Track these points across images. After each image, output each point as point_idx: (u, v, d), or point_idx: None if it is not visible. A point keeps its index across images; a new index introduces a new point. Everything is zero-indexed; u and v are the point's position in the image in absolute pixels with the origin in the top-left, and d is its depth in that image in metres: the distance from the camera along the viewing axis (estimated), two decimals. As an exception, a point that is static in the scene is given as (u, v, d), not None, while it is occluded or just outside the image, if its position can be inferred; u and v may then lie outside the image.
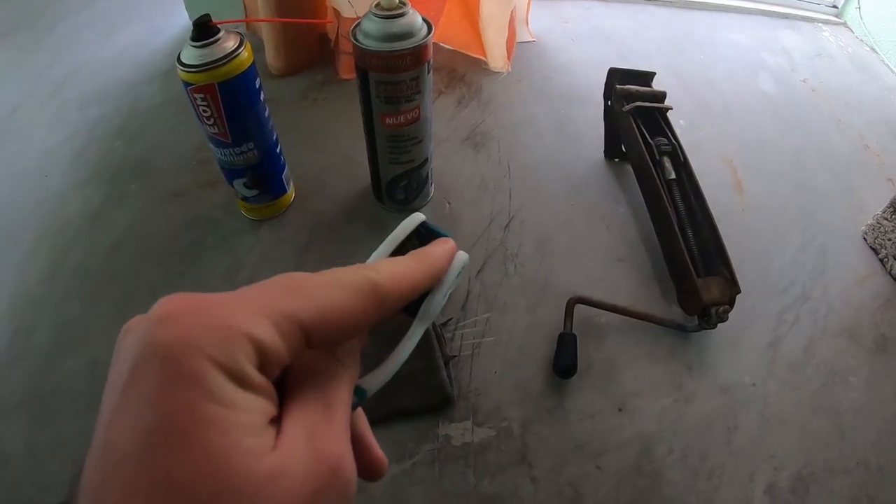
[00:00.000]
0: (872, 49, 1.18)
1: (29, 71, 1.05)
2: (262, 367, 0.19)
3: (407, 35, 0.57)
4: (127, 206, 0.78)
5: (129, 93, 0.97)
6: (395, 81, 0.59)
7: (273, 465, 0.17)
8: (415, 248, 0.27)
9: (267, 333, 0.19)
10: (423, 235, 0.28)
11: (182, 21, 1.12)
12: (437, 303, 0.26)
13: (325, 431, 0.20)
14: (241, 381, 0.18)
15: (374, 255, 0.27)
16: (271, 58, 0.95)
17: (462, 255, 0.27)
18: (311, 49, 0.98)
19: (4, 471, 0.54)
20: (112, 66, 1.04)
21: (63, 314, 0.66)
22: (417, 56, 0.58)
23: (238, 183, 0.69)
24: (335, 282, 0.21)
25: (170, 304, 0.18)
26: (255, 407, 0.18)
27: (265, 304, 0.19)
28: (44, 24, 1.17)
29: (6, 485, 0.53)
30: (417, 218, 0.28)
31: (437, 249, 0.26)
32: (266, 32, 0.93)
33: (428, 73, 0.61)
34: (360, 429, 0.25)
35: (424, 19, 0.60)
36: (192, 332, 0.17)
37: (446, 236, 0.27)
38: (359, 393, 0.24)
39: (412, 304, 0.25)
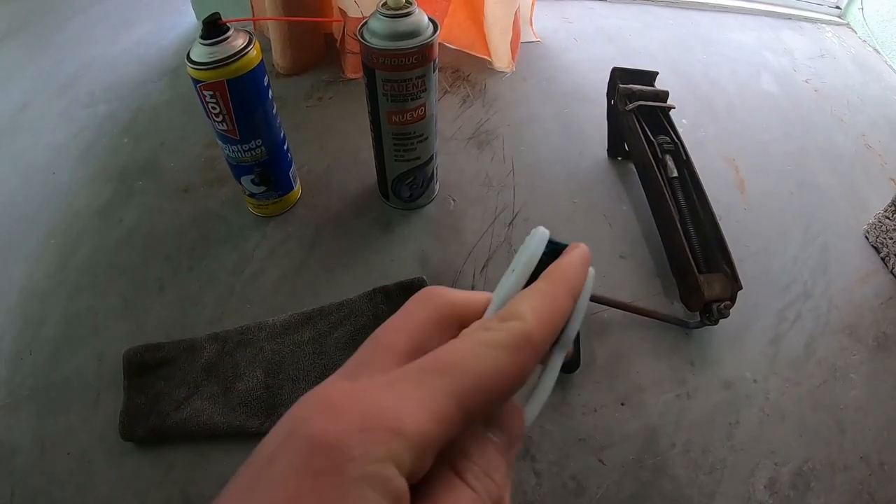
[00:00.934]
0: (875, 50, 1.19)
1: (38, 68, 1.06)
2: (414, 466, 0.17)
3: (413, 34, 0.58)
4: (135, 202, 0.79)
5: (136, 90, 0.98)
6: (401, 80, 0.60)
7: None
8: (544, 265, 0.23)
9: (424, 426, 0.17)
10: (549, 251, 0.24)
11: (189, 20, 1.13)
12: (574, 326, 0.23)
13: None
14: (384, 490, 0.16)
15: (507, 286, 0.23)
16: (278, 57, 0.96)
17: (591, 272, 0.24)
18: (316, 48, 0.99)
19: (13, 461, 0.55)
20: (120, 64, 1.05)
21: (72, 307, 0.67)
22: (424, 54, 0.59)
23: (245, 179, 0.70)
24: (487, 344, 0.19)
25: (326, 393, 0.18)
26: None
27: (423, 391, 0.18)
28: (52, 22, 1.19)
29: (14, 475, 0.54)
30: (543, 235, 0.24)
31: (571, 261, 0.23)
32: (272, 32, 0.94)
33: (434, 71, 0.62)
34: None
35: (430, 18, 0.60)
36: (345, 430, 0.16)
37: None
38: None
39: None
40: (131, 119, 0.93)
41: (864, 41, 1.22)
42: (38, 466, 0.55)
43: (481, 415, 0.19)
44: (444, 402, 0.18)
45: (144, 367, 0.60)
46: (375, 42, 0.58)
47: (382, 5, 0.58)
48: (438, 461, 0.18)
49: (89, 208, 0.78)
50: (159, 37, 1.12)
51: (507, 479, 0.20)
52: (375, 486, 0.16)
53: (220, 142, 0.66)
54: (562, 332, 0.23)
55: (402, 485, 0.16)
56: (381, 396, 0.18)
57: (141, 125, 0.91)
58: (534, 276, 0.24)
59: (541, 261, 0.24)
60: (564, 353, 0.24)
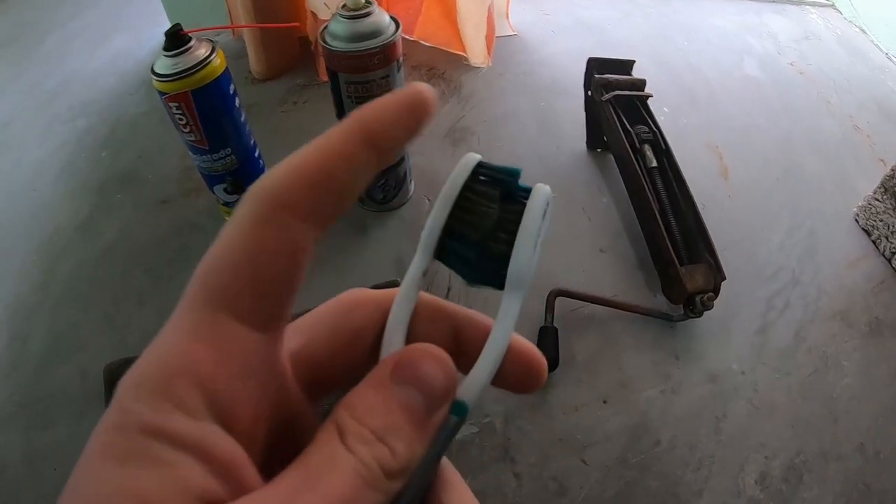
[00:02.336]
0: (861, 30, 1.17)
1: (20, 85, 1.06)
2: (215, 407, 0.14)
3: (374, 34, 0.57)
4: (115, 216, 0.79)
5: (115, 103, 0.98)
6: (364, 81, 0.59)
7: None
8: (481, 203, 0.20)
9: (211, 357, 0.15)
10: (485, 182, 0.20)
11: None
12: (526, 260, 0.19)
13: None
14: (163, 436, 0.14)
15: (428, 225, 0.20)
16: (253, 62, 0.96)
17: (543, 189, 0.19)
18: (292, 52, 0.98)
19: (2, 477, 0.55)
20: (100, 77, 1.05)
21: (56, 323, 0.67)
22: (386, 54, 0.58)
23: (218, 189, 0.69)
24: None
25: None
26: (168, 475, 0.13)
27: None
28: (34, 37, 1.18)
29: (4, 491, 0.54)
30: (471, 159, 0.20)
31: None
32: (247, 37, 0.93)
33: (398, 70, 0.61)
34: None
35: (392, 17, 0.59)
36: (135, 378, 0.14)
37: (514, 172, 0.20)
38: (458, 409, 0.18)
39: (491, 271, 0.19)
40: (110, 132, 0.92)
41: (851, 22, 1.20)
42: (27, 482, 0.55)
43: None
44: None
45: (124, 382, 0.59)
46: (336, 44, 0.57)
47: (342, 7, 0.57)
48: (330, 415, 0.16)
49: (70, 223, 0.78)
50: (137, 48, 1.11)
51: (414, 449, 0.16)
52: (161, 437, 0.13)
53: (190, 153, 0.66)
54: (511, 269, 0.19)
55: (195, 433, 0.14)
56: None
57: (119, 138, 0.91)
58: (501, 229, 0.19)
59: (482, 197, 0.20)
60: (520, 296, 0.19)
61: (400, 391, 0.16)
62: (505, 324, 0.19)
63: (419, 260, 0.20)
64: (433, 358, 0.17)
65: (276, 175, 0.17)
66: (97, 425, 0.14)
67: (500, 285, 0.19)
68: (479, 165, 0.20)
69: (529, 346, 0.20)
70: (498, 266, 0.19)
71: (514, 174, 0.20)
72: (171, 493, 0.13)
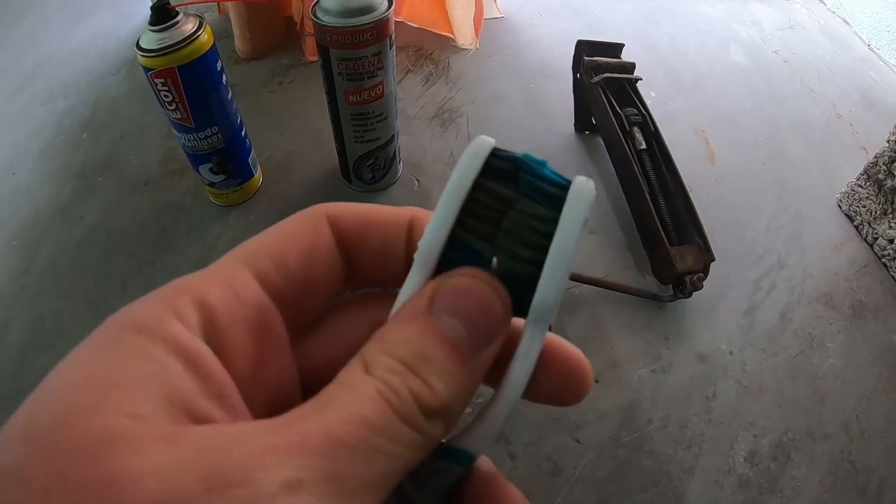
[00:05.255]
0: (844, 21, 1.18)
1: (-5, 68, 1.03)
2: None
3: (367, 9, 0.56)
4: (96, 199, 0.77)
5: (95, 83, 0.95)
6: (356, 57, 0.58)
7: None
8: (495, 207, 0.16)
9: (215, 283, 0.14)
10: (502, 177, 0.16)
11: (148, 8, 1.10)
12: (559, 285, 0.15)
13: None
14: (158, 337, 0.13)
15: (428, 233, 0.16)
16: (238, 41, 0.94)
17: (586, 186, 0.15)
18: (277, 32, 0.97)
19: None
20: (79, 57, 1.02)
21: (36, 310, 0.65)
22: (379, 30, 0.57)
23: (204, 168, 0.68)
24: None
25: None
26: (156, 373, 0.12)
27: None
28: (10, 17, 1.15)
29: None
30: (483, 146, 0.16)
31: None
32: (233, 16, 0.91)
33: (391, 48, 0.60)
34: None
35: (384, -8, 0.59)
36: (141, 302, 0.14)
37: (538, 163, 0.16)
38: (460, 458, 0.16)
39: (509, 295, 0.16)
40: (90, 113, 0.90)
41: (834, 12, 1.21)
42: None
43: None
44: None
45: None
46: (328, 19, 0.56)
47: (335, -19, 0.56)
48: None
49: (50, 207, 0.76)
50: (118, 27, 1.08)
51: (455, 388, 0.14)
52: (167, 344, 0.13)
53: (175, 131, 0.64)
54: (538, 297, 0.15)
55: (189, 342, 0.13)
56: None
57: (100, 119, 0.89)
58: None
59: (498, 197, 0.16)
60: (544, 329, 0.15)
61: (438, 321, 0.14)
62: (525, 364, 0.15)
63: (416, 278, 0.16)
64: (481, 285, 0.15)
65: (347, 204, 0.17)
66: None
67: (519, 312, 0.16)
68: (494, 153, 0.16)
69: (573, 352, 0.17)
70: (518, 289, 0.15)
71: (537, 166, 0.16)
72: (152, 393, 0.11)
